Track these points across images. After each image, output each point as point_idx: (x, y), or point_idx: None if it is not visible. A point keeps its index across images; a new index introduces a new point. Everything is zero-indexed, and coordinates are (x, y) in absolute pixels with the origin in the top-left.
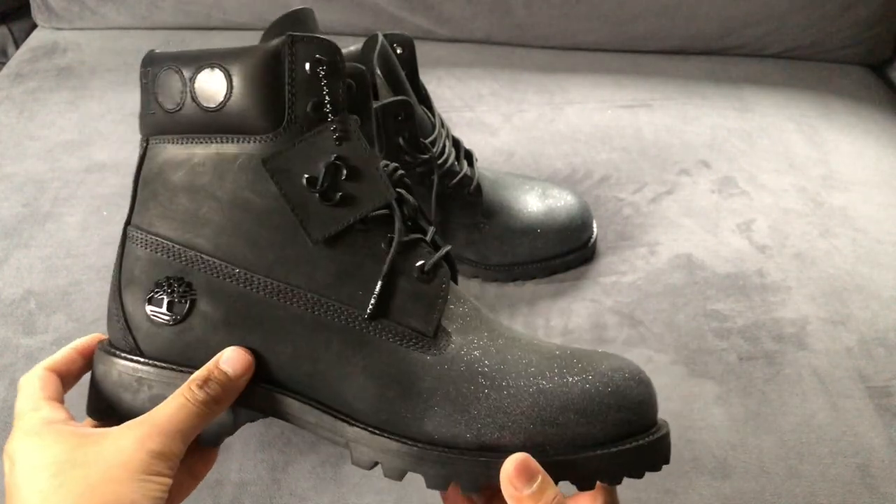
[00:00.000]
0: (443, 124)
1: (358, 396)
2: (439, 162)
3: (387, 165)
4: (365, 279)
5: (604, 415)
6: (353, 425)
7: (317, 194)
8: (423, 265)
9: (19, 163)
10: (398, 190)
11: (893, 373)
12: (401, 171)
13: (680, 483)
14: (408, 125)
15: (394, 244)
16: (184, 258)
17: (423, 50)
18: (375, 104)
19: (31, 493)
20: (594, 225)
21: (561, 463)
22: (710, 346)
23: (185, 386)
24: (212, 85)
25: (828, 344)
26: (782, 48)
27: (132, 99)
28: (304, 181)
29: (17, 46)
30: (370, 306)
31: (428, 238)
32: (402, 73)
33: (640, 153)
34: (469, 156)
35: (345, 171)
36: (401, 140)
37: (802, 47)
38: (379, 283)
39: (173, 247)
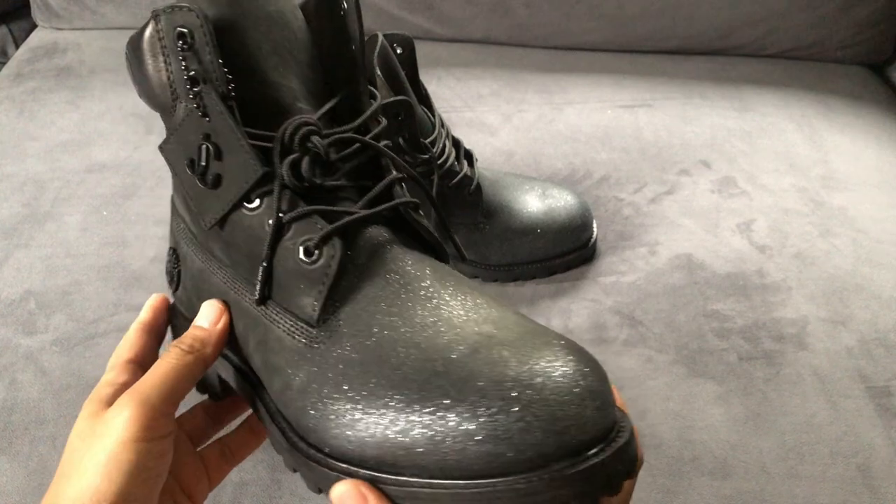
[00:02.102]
0: (443, 124)
1: (267, 383)
2: (439, 162)
3: (288, 129)
4: (254, 263)
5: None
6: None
7: (196, 178)
8: (308, 242)
9: (19, 163)
10: (295, 157)
11: (893, 373)
12: (307, 129)
13: (680, 483)
14: (408, 125)
15: (271, 223)
16: (175, 230)
17: (423, 50)
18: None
19: (65, 456)
20: (594, 225)
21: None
22: (710, 346)
23: (168, 350)
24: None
25: (828, 344)
26: (782, 48)
27: (132, 99)
28: (185, 165)
29: (17, 46)
30: (256, 291)
31: (354, 209)
32: (402, 73)
33: (640, 153)
34: (469, 156)
35: (211, 149)
36: (401, 140)
37: (802, 47)
38: (261, 266)
39: (173, 218)
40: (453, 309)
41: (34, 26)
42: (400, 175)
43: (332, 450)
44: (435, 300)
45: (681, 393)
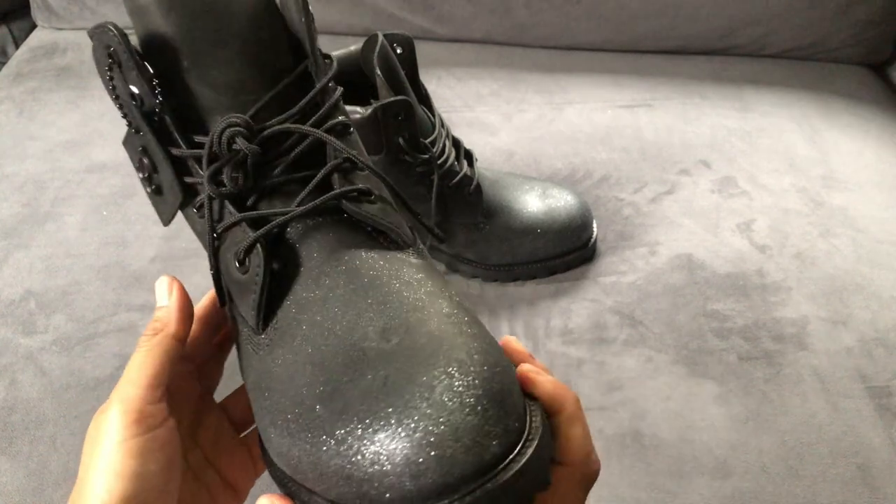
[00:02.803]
0: (443, 124)
1: None
2: (439, 162)
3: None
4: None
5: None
6: None
7: (143, 183)
8: (237, 251)
9: (19, 163)
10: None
11: (893, 373)
12: (231, 131)
13: (680, 483)
14: (408, 125)
15: (208, 233)
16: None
17: (423, 50)
18: (375, 104)
19: (81, 460)
20: (594, 225)
21: None
22: (710, 346)
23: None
24: None
25: (828, 344)
26: (782, 48)
27: None
28: (136, 169)
29: (17, 46)
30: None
31: (283, 215)
32: (402, 73)
33: (640, 153)
34: (469, 156)
35: (147, 163)
36: (401, 140)
37: (802, 47)
38: (211, 273)
39: None
40: (371, 320)
41: (34, 26)
42: (338, 161)
43: (271, 457)
44: (358, 307)
45: (681, 393)
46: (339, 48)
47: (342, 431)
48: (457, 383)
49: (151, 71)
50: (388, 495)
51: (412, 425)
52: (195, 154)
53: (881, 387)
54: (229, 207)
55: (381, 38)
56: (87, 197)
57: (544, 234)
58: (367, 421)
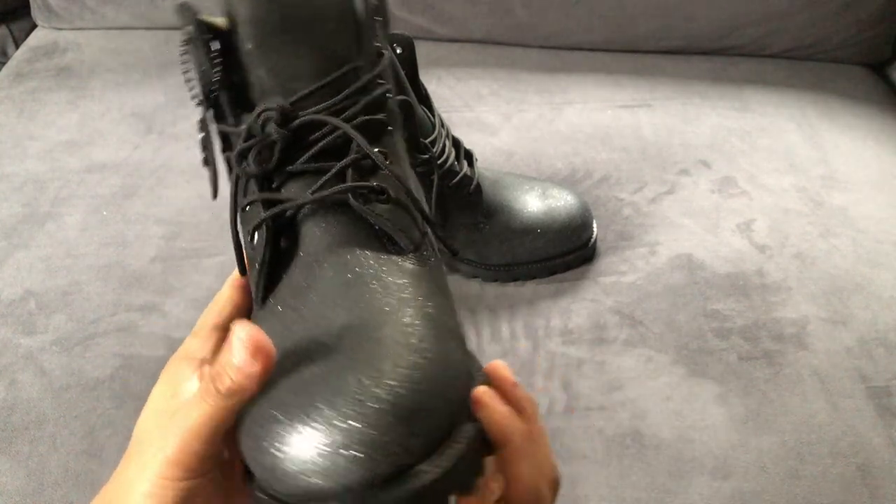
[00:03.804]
0: (443, 124)
1: None
2: (439, 162)
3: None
4: None
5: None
6: None
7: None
8: (250, 229)
9: (19, 163)
10: (247, 144)
11: (893, 373)
12: (265, 115)
13: (680, 483)
14: (408, 125)
15: (231, 206)
16: None
17: (423, 50)
18: None
19: (134, 439)
20: (594, 225)
21: None
22: (710, 346)
23: (202, 383)
24: None
25: (828, 344)
26: (782, 48)
27: (132, 99)
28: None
29: (17, 46)
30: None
31: (284, 201)
32: (402, 73)
33: (640, 153)
34: (469, 156)
35: (203, 134)
36: None
37: (802, 47)
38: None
39: None
40: (338, 316)
41: (34, 26)
42: (357, 157)
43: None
44: (333, 301)
45: (681, 393)
46: None
47: (268, 422)
48: (362, 392)
49: (217, 49)
50: (279, 490)
51: (310, 426)
52: (237, 132)
53: (881, 387)
54: (253, 186)
55: None
56: (87, 197)
57: (544, 234)
58: (284, 416)
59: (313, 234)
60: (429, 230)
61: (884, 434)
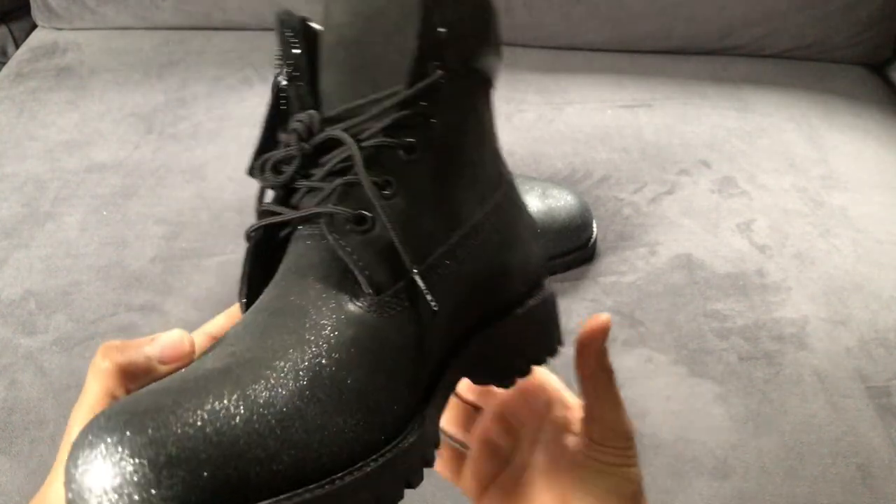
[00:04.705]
0: None
1: None
2: None
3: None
4: None
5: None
6: None
7: None
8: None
9: (19, 163)
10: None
11: (893, 373)
12: (297, 126)
13: (680, 483)
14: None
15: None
16: None
17: None
18: None
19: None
20: (594, 225)
21: None
22: (710, 346)
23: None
24: None
25: (828, 344)
26: (782, 48)
27: (132, 99)
28: None
29: (17, 46)
30: None
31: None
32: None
33: (640, 153)
34: None
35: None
36: None
37: (802, 47)
38: None
39: None
40: (251, 343)
41: (34, 26)
42: (350, 179)
43: None
44: (261, 328)
45: (681, 393)
46: None
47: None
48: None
49: (296, 54)
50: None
51: (100, 445)
52: (284, 139)
53: (881, 387)
54: (269, 196)
55: None
56: (87, 197)
57: (544, 234)
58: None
59: (293, 253)
60: (418, 279)
61: (884, 434)
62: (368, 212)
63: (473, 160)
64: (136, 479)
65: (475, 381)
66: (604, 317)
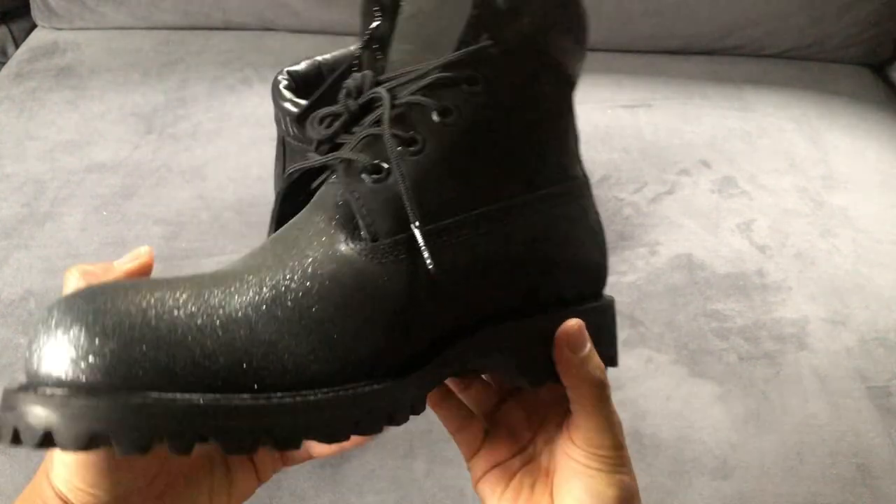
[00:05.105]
0: None
1: None
2: None
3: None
4: None
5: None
6: None
7: None
8: None
9: (19, 163)
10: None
11: (894, 373)
12: (348, 86)
13: (680, 483)
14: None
15: None
16: None
17: None
18: None
19: None
20: None
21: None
22: (710, 346)
23: None
24: None
25: (828, 344)
26: (782, 48)
27: (132, 99)
28: None
29: (17, 46)
30: None
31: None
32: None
33: (640, 153)
34: None
35: None
36: None
37: (802, 47)
38: None
39: None
40: (244, 263)
41: (34, 26)
42: (371, 130)
43: None
44: (261, 253)
45: (681, 393)
46: (339, 48)
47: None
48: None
49: (374, 25)
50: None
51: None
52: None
53: (881, 387)
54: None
55: None
56: (87, 197)
57: None
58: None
59: (317, 196)
60: (418, 234)
61: (884, 434)
62: (387, 164)
63: (523, 142)
64: (74, 341)
65: (505, 378)
66: (571, 323)
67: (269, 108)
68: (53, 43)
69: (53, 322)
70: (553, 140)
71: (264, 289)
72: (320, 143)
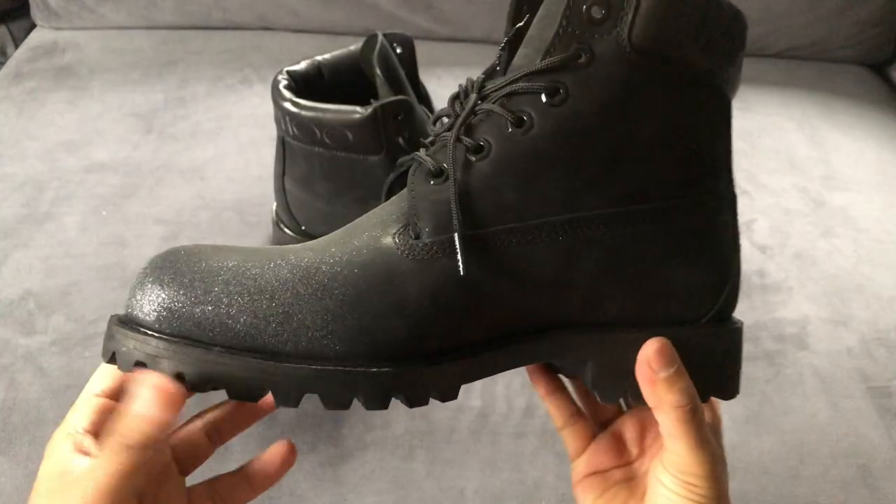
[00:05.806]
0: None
1: None
2: None
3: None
4: None
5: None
6: None
7: None
8: None
9: (19, 163)
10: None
11: (894, 373)
12: (458, 90)
13: None
14: (408, 125)
15: None
16: None
17: (423, 50)
18: (375, 104)
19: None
20: None
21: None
22: None
23: (109, 439)
24: None
25: (828, 344)
26: (782, 48)
27: (132, 99)
28: None
29: (17, 46)
30: None
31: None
32: (402, 73)
33: None
34: None
35: None
36: (400, 140)
37: (802, 47)
38: None
39: None
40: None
41: (34, 26)
42: (439, 132)
43: None
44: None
45: None
46: (339, 48)
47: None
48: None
49: (515, 28)
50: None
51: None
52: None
53: (882, 387)
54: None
55: (381, 38)
56: (87, 197)
57: None
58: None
59: (401, 191)
60: (456, 238)
61: (884, 434)
62: (440, 164)
63: (611, 155)
64: (152, 295)
65: (585, 380)
66: (656, 340)
67: (269, 108)
68: (53, 43)
69: (146, 277)
70: (659, 153)
71: (295, 267)
72: (431, 142)
